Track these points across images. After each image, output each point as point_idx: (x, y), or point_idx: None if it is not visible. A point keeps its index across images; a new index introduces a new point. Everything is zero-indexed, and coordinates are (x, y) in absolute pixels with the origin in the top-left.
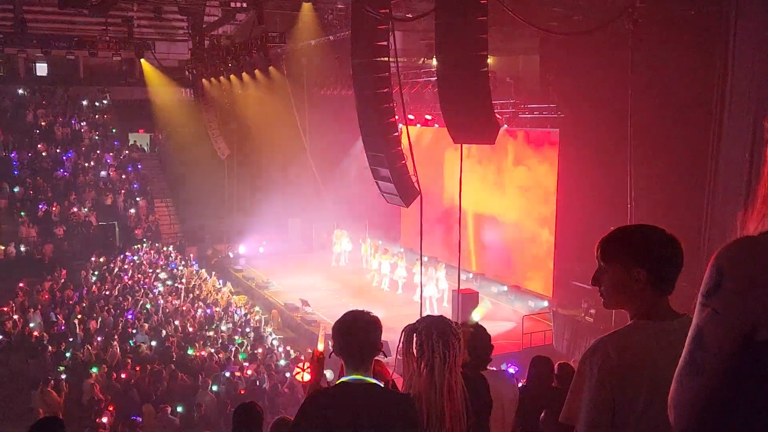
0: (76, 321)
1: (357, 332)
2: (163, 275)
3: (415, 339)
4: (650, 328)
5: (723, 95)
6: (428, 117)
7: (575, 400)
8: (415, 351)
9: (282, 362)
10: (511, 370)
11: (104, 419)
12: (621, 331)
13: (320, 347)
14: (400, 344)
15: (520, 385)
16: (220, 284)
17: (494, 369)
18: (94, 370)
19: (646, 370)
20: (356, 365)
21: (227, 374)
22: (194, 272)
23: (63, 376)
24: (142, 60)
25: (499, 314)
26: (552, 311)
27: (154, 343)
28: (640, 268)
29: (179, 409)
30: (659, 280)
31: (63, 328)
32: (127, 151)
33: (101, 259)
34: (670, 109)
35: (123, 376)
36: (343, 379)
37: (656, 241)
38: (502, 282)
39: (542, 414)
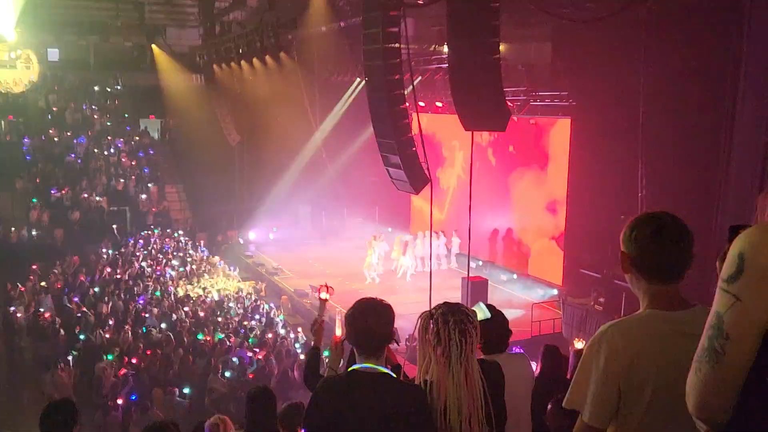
0: (88, 306)
1: (370, 320)
2: (174, 261)
3: (431, 326)
4: (659, 318)
5: (737, 81)
6: (439, 104)
7: (580, 386)
8: (431, 338)
9: (298, 346)
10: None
11: (119, 401)
12: (629, 319)
13: (338, 332)
14: (416, 331)
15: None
16: (230, 270)
17: (509, 352)
18: (110, 357)
19: (655, 360)
20: (368, 353)
21: (236, 359)
22: (204, 258)
23: (70, 359)
24: (153, 46)
25: (508, 302)
26: (561, 299)
27: (164, 326)
28: (628, 255)
29: (186, 390)
30: (647, 267)
31: (79, 312)
32: (137, 137)
33: (112, 245)
34: (683, 95)
35: (134, 360)
36: (354, 366)
37: (641, 228)
38: (512, 270)
39: (549, 406)
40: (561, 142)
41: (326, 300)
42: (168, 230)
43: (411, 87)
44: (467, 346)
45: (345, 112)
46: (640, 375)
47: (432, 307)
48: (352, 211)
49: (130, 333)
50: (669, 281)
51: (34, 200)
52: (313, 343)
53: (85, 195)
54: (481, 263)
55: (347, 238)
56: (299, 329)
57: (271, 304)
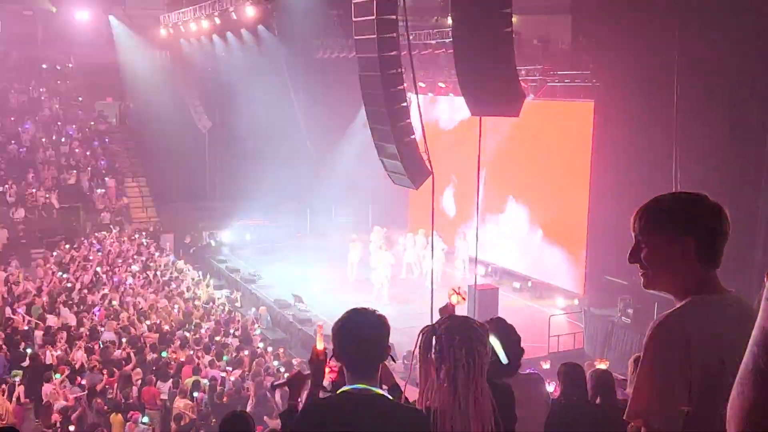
0: (35, 318)
1: (362, 334)
2: (134, 267)
3: (434, 343)
4: (717, 303)
5: None
6: (442, 85)
7: (642, 392)
8: (434, 358)
9: (276, 363)
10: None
11: (71, 429)
12: (689, 306)
13: (319, 346)
14: (416, 349)
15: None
16: (199, 277)
17: (521, 372)
18: (57, 377)
19: (725, 347)
20: (361, 373)
21: (207, 381)
22: (170, 263)
23: (15, 379)
24: (111, 17)
25: (522, 313)
26: (583, 310)
27: (124, 342)
28: (688, 238)
29: (145, 420)
30: (708, 251)
31: (25, 325)
32: (92, 123)
33: (63, 248)
34: (723, 71)
35: (88, 382)
36: (345, 388)
37: (703, 208)
38: (526, 276)
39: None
40: (582, 128)
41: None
42: (128, 231)
43: (410, 65)
44: (476, 368)
45: (333, 95)
46: (711, 366)
47: (435, 321)
48: (342, 209)
49: (83, 350)
50: (718, 264)
51: None
52: (288, 399)
53: (32, 190)
54: (490, 268)
55: (336, 240)
56: (280, 349)
57: (248, 316)
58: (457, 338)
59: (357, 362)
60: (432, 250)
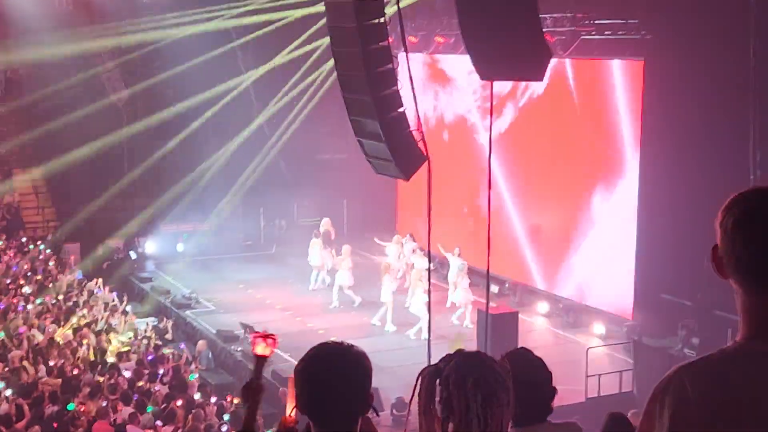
0: None
1: (332, 379)
2: (27, 288)
3: (438, 389)
4: (756, 354)
5: None
6: (440, 40)
7: None
8: (438, 408)
9: (226, 418)
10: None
11: None
12: (712, 357)
13: (290, 411)
14: (414, 397)
15: None
16: (115, 301)
17: (554, 422)
18: None
19: (746, 415)
20: (332, 430)
21: None
22: (76, 283)
23: None
24: None
25: (550, 345)
26: (632, 341)
27: (9, 393)
28: (719, 246)
29: None
30: (742, 268)
31: None
32: None
33: None
34: None
35: None
36: None
37: (732, 208)
38: (554, 295)
39: None
40: (629, 96)
41: (265, 357)
42: (19, 239)
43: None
44: (494, 422)
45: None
46: None
47: (439, 359)
48: (307, 208)
49: None
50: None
51: None
52: (244, 421)
53: None
54: (507, 286)
55: (299, 249)
56: (227, 397)
57: (181, 353)
58: (470, 381)
59: (326, 417)
60: (429, 261)
